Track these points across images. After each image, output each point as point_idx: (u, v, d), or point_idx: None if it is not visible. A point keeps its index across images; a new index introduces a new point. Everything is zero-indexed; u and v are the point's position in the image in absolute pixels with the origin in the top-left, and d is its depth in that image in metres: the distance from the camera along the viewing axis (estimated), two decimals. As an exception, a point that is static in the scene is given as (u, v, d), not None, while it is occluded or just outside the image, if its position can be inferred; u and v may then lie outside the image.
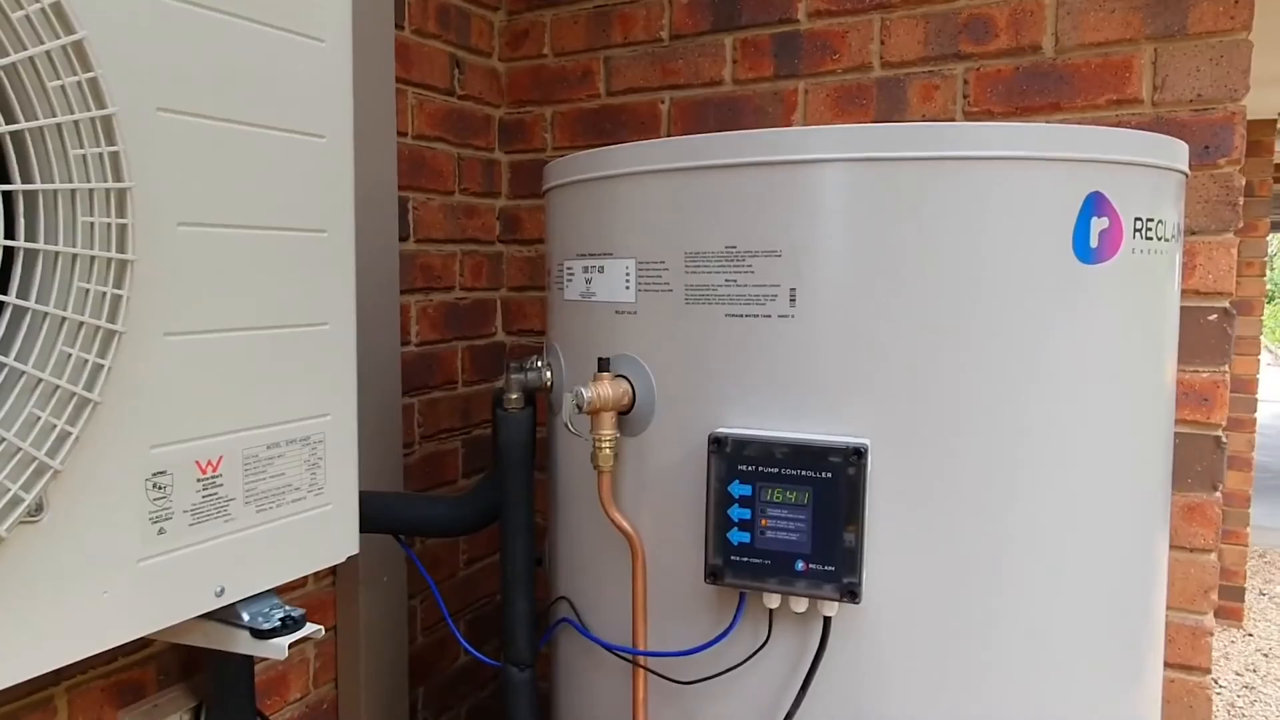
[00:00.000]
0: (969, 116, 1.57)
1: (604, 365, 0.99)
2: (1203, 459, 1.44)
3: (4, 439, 0.69)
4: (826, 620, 0.89)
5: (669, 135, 1.82)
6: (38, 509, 0.73)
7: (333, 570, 1.58)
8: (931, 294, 0.87)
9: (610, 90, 1.88)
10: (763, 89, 1.73)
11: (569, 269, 1.09)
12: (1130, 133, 0.92)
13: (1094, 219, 0.88)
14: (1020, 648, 0.91)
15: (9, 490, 0.69)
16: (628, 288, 0.99)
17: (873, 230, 0.87)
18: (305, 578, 1.54)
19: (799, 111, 1.70)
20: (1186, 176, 1.06)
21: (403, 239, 1.73)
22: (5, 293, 0.69)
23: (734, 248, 0.91)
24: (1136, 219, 0.91)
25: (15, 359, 0.70)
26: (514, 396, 1.14)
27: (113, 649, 1.22)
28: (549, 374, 1.15)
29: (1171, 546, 1.45)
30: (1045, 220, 0.87)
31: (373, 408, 1.58)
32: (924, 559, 0.89)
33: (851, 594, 0.86)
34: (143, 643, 1.27)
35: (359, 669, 1.61)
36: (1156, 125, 1.43)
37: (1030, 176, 0.87)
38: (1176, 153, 0.98)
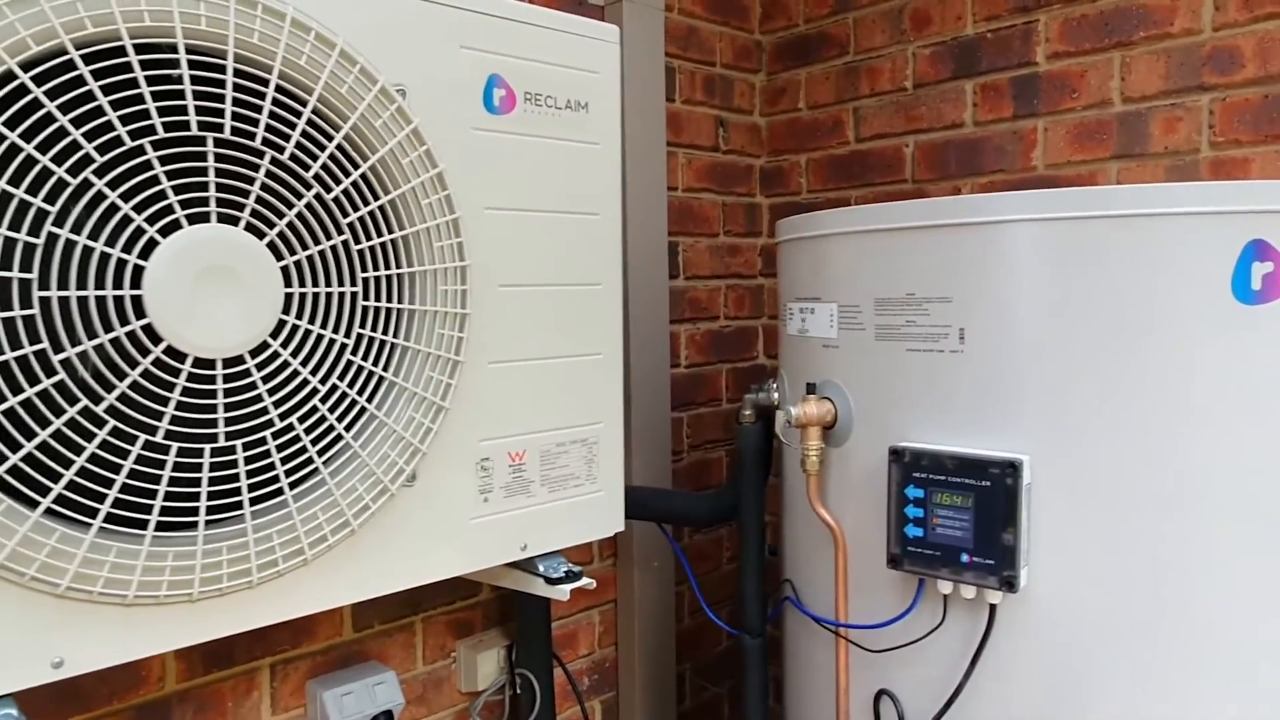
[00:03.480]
0: (1215, 146, 1.58)
1: (811, 388, 1.21)
2: None
3: (394, 430, 1.07)
4: (992, 607, 1.05)
5: (913, 176, 1.98)
6: (412, 478, 1.11)
7: (614, 551, 1.92)
8: (1086, 334, 1.00)
9: (859, 137, 2.07)
10: (1002, 129, 1.84)
11: (790, 309, 1.32)
12: (1299, 180, 0.98)
13: (1255, 263, 0.96)
14: (1179, 653, 0.99)
15: (397, 464, 1.07)
16: (831, 326, 1.20)
17: (1026, 280, 1.02)
18: (592, 554, 1.89)
19: (1038, 149, 1.79)
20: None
21: (673, 277, 2.05)
22: (396, 337, 1.07)
23: (913, 294, 1.09)
24: (1308, 261, 0.97)
25: (401, 379, 1.07)
26: (748, 413, 1.39)
27: (451, 595, 1.63)
28: (776, 394, 1.39)
29: None
30: (1203, 266, 0.96)
31: (645, 420, 1.91)
32: (1079, 557, 1.01)
33: (1010, 585, 1.01)
34: (473, 591, 1.68)
35: (634, 636, 1.93)
36: None
37: (1189, 228, 0.97)
38: (1370, 193, 1.01)
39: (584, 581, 1.28)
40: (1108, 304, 1.00)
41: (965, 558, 1.04)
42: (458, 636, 1.67)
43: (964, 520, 1.03)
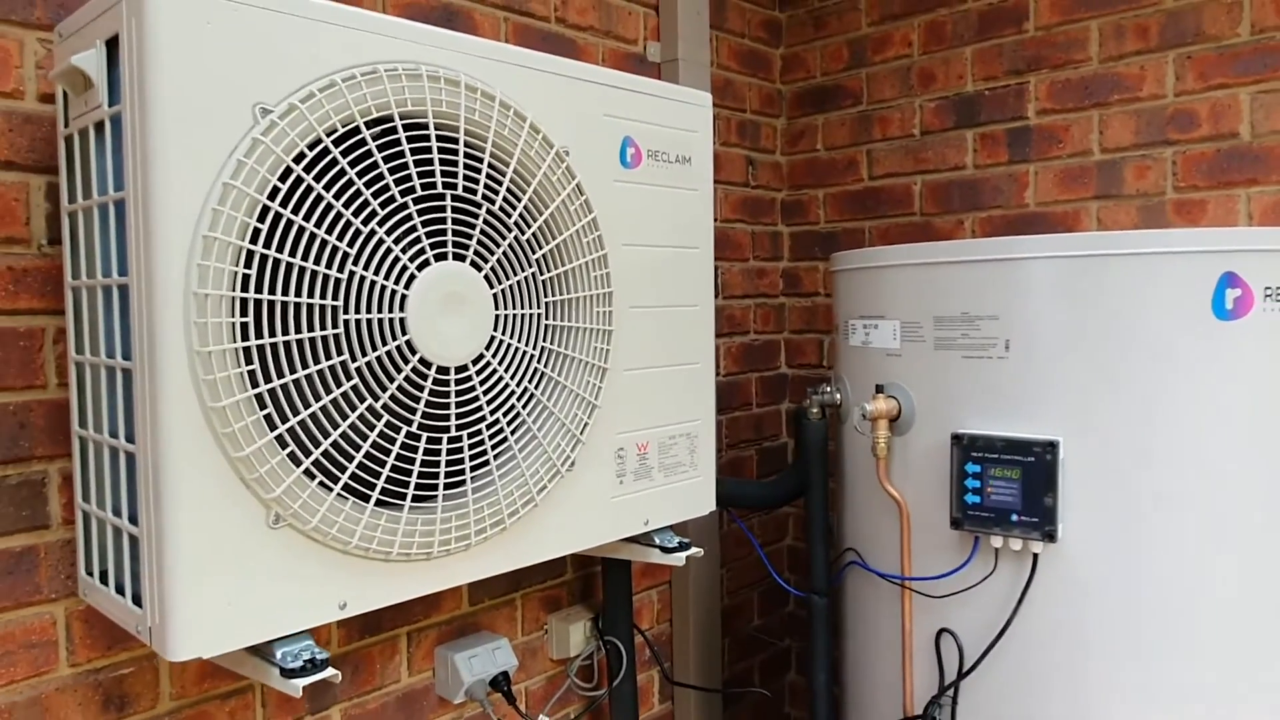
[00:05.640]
0: (1178, 190, 1.92)
1: (880, 389, 1.51)
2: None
3: (564, 424, 1.33)
4: (1035, 556, 1.35)
5: (921, 210, 2.30)
6: (573, 464, 1.37)
7: (669, 539, 2.19)
8: (1105, 344, 1.31)
9: (871, 176, 2.39)
10: (999, 172, 2.17)
11: (852, 325, 1.62)
12: (1259, 230, 1.31)
13: (1228, 290, 1.28)
14: (1165, 581, 1.31)
15: (566, 452, 1.34)
16: (894, 339, 1.50)
17: (1061, 301, 1.33)
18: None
19: (1030, 189, 2.13)
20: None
21: (715, 297, 2.34)
22: (566, 349, 1.34)
23: (967, 313, 1.40)
24: (1267, 288, 1.29)
25: (569, 383, 1.34)
26: (815, 411, 1.68)
27: (544, 576, 1.88)
28: (838, 396, 1.68)
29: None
30: (1190, 292, 1.28)
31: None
32: (1101, 515, 1.32)
33: (1050, 537, 1.31)
34: (560, 572, 1.93)
35: (688, 613, 2.20)
36: (1343, 194, 1.73)
37: (1179, 264, 1.29)
38: (1310, 236, 1.34)
39: (694, 550, 1.55)
40: (1119, 321, 1.31)
41: (1015, 517, 1.34)
42: (549, 611, 1.92)
43: (1013, 488, 1.33)
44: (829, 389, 1.70)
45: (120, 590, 1.08)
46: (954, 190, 2.24)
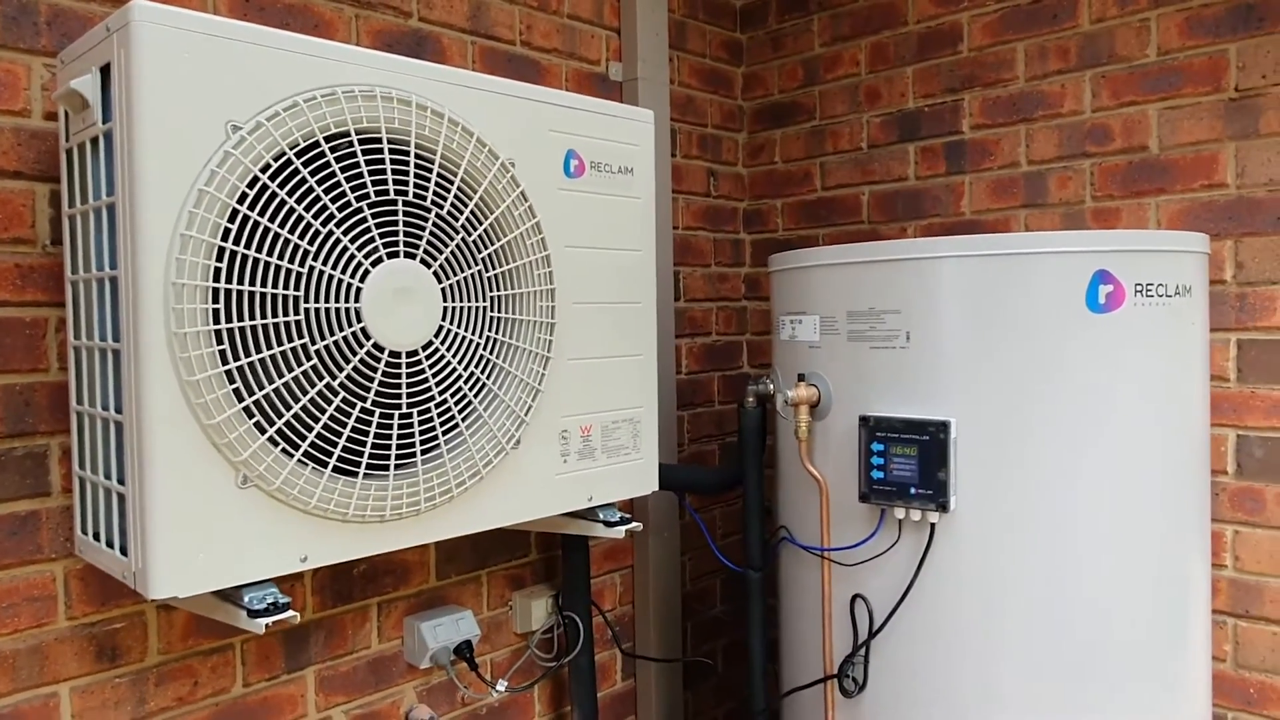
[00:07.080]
0: (1095, 199, 2.07)
1: (801, 377, 1.66)
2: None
3: (509, 407, 1.49)
4: (932, 525, 1.50)
5: (868, 218, 2.46)
6: (518, 443, 1.52)
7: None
8: (991, 335, 1.46)
9: (824, 186, 2.55)
10: (937, 182, 2.32)
11: (782, 321, 1.77)
12: (1129, 232, 1.46)
13: (1101, 285, 1.43)
14: (1045, 546, 1.46)
15: (512, 431, 1.49)
16: (815, 332, 1.65)
17: (954, 296, 1.48)
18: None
19: (966, 198, 2.28)
20: (1204, 254, 1.56)
21: (676, 299, 2.50)
22: (511, 339, 1.49)
23: (874, 308, 1.55)
24: (1137, 284, 1.44)
25: (514, 370, 1.49)
26: (750, 400, 1.84)
27: (508, 555, 2.03)
28: (771, 385, 1.83)
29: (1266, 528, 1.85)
30: (1066, 287, 1.44)
31: (659, 418, 2.34)
32: (989, 487, 1.47)
33: (944, 508, 1.46)
34: (525, 552, 2.08)
35: (649, 596, 2.35)
36: (1239, 203, 1.88)
37: (1057, 262, 1.44)
38: (1182, 241, 1.49)
39: (633, 525, 1.70)
40: (1004, 313, 1.46)
41: (913, 490, 1.48)
42: (514, 589, 2.07)
43: (912, 464, 1.48)
44: (765, 380, 1.86)
45: (110, 544, 1.24)
46: (898, 200, 2.40)
